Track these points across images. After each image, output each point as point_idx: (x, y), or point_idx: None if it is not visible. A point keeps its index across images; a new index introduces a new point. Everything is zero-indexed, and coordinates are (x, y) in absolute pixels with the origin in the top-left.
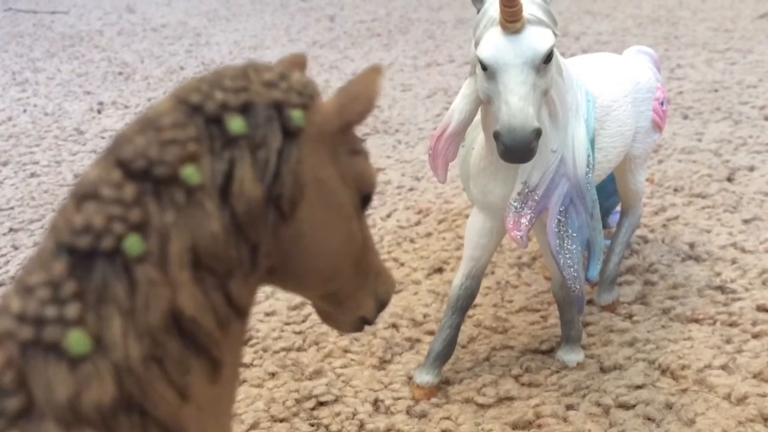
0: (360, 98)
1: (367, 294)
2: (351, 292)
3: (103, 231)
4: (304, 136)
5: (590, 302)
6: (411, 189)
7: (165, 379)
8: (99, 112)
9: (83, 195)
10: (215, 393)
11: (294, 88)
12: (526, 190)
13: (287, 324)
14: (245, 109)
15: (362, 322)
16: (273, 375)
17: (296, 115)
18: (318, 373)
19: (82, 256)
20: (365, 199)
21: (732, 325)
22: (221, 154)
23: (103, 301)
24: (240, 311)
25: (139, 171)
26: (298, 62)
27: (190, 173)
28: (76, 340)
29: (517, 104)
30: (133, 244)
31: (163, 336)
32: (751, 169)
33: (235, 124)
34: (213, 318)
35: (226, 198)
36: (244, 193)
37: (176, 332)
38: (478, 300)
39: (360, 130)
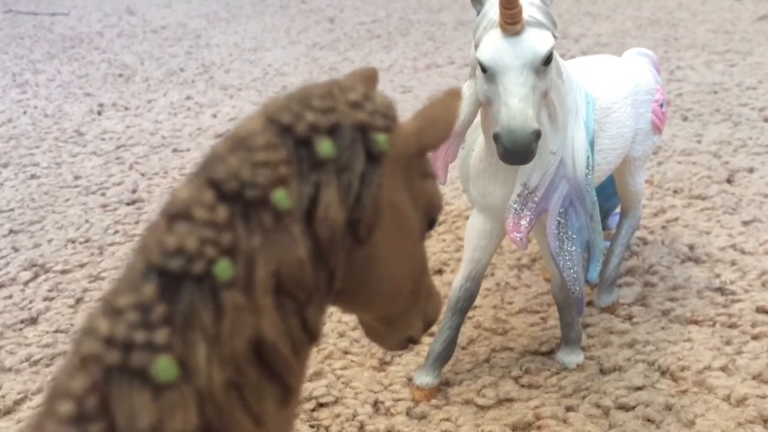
0: (439, 123)
1: (418, 314)
2: (404, 313)
3: (195, 254)
4: (385, 159)
5: (590, 304)
6: None
7: (243, 406)
8: (99, 113)
9: (175, 215)
10: (284, 417)
11: (378, 110)
12: (526, 192)
13: None
14: (333, 131)
15: (408, 341)
16: None
17: (381, 138)
18: (318, 375)
19: (172, 278)
20: (431, 223)
21: (732, 326)
22: (308, 178)
23: (190, 326)
24: (312, 336)
25: (232, 193)
26: (371, 77)
27: (280, 197)
28: (164, 367)
29: (516, 106)
30: (223, 268)
31: (244, 363)
32: (751, 170)
33: (325, 147)
34: (289, 344)
35: (310, 222)
36: (329, 219)
37: (256, 359)
38: (477, 301)
39: None
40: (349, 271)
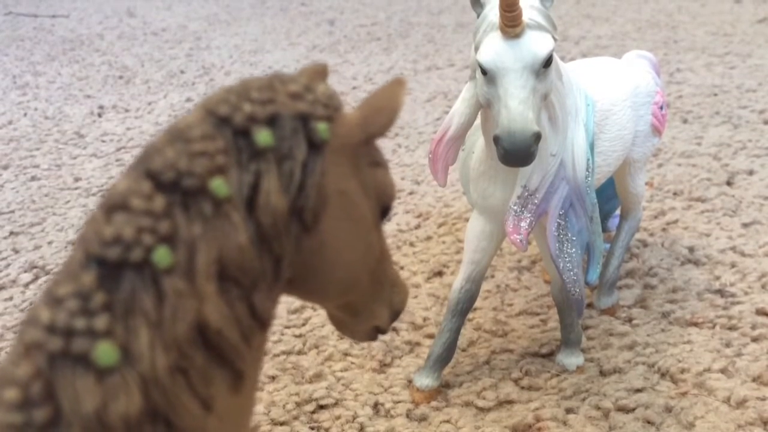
0: (383, 111)
1: (383, 304)
2: (367, 302)
3: (132, 242)
4: (328, 148)
5: (590, 306)
6: (411, 193)
7: (190, 390)
8: (99, 115)
9: (113, 206)
10: (237, 403)
11: (319, 100)
12: (526, 194)
13: (287, 327)
14: (272, 121)
15: (376, 332)
16: (273, 378)
17: (321, 127)
18: (318, 377)
19: (112, 267)
20: (384, 211)
21: (731, 328)
22: (248, 166)
23: (131, 312)
24: (263, 322)
25: (169, 182)
26: (320, 71)
27: (218, 185)
28: (104, 352)
29: (516, 108)
30: (162, 255)
31: (188, 347)
32: (751, 173)
33: (263, 136)
34: (237, 329)
35: (252, 210)
36: (270, 206)
37: (201, 344)
38: (477, 303)
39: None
40: (300, 258)
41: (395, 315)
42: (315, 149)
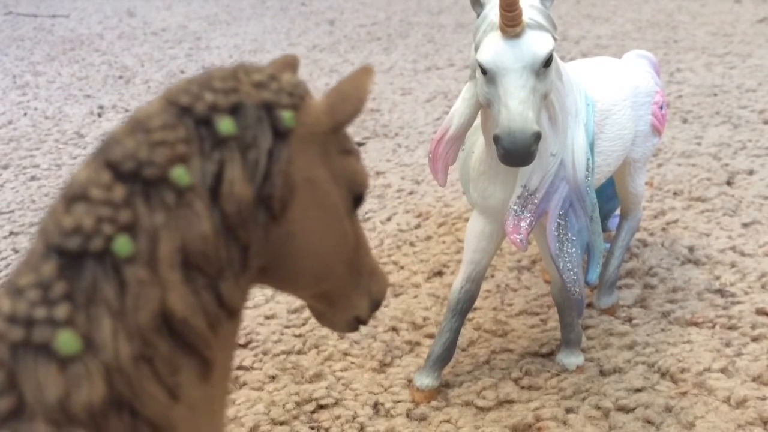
0: (350, 99)
1: (361, 294)
2: (344, 292)
3: (92, 232)
4: (294, 136)
5: (590, 305)
6: (411, 193)
7: (155, 378)
8: (99, 115)
9: (72, 196)
10: (207, 392)
11: (284, 89)
12: (526, 194)
13: (287, 327)
14: (235, 110)
15: (356, 322)
16: (273, 378)
17: (286, 115)
18: (318, 376)
19: (72, 257)
20: (357, 200)
21: (731, 328)
22: (211, 155)
23: (93, 301)
24: (231, 311)
25: (129, 172)
26: (290, 63)
27: (179, 174)
28: (66, 341)
29: (516, 108)
30: (122, 244)
31: (152, 336)
32: (751, 172)
33: (225, 125)
34: (203, 318)
35: (216, 199)
36: (234, 194)
37: (166, 332)
38: (477, 303)
39: (360, 134)
40: (269, 247)
41: (375, 305)
42: (280, 137)
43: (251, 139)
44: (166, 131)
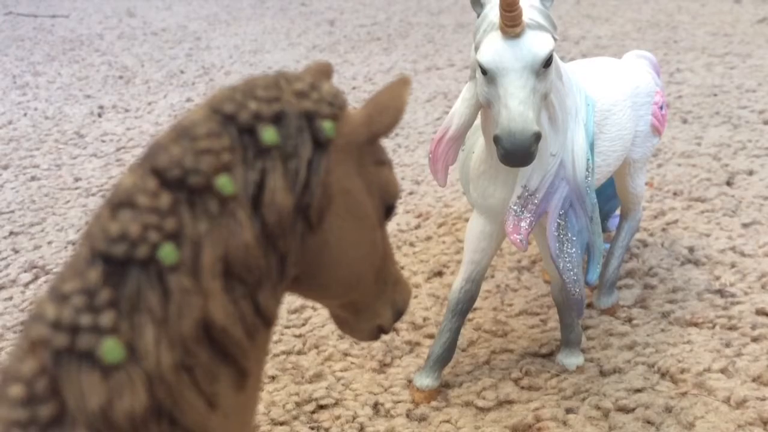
0: (388, 110)
1: (385, 303)
2: (370, 301)
3: (138, 239)
4: (333, 146)
5: (590, 306)
6: (411, 193)
7: (194, 387)
8: (99, 115)
9: (118, 203)
10: (241, 401)
11: (324, 98)
12: (526, 194)
13: (287, 327)
14: (277, 120)
15: (379, 331)
16: (273, 378)
17: (327, 126)
18: (318, 377)
19: (117, 264)
20: (389, 210)
21: (731, 328)
22: (253, 164)
23: (137, 309)
24: (267, 320)
25: (174, 180)
26: (325, 70)
27: (224, 183)
28: (110, 349)
29: (516, 108)
30: (167, 252)
31: (193, 345)
32: (750, 173)
33: (268, 134)
34: (242, 327)
35: (257, 208)
36: (275, 203)
37: (206, 341)
38: (477, 303)
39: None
40: (304, 256)
41: (398, 314)
42: (320, 147)
43: (292, 149)
44: (211, 139)
